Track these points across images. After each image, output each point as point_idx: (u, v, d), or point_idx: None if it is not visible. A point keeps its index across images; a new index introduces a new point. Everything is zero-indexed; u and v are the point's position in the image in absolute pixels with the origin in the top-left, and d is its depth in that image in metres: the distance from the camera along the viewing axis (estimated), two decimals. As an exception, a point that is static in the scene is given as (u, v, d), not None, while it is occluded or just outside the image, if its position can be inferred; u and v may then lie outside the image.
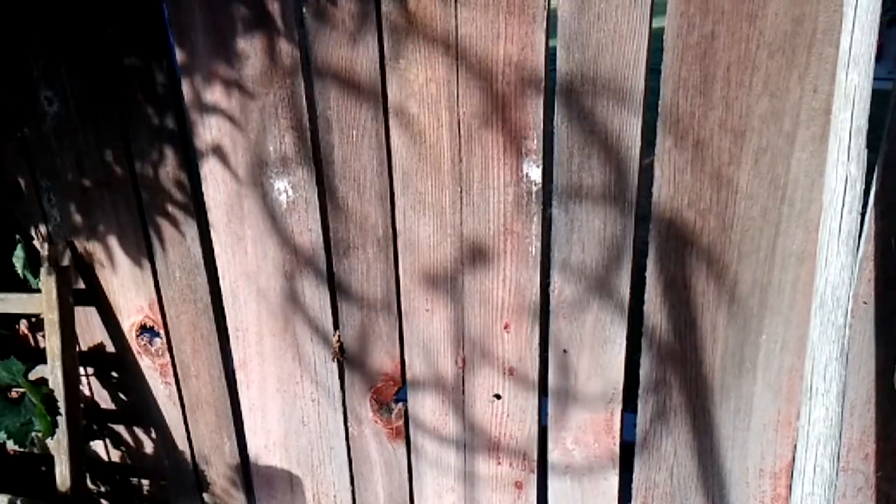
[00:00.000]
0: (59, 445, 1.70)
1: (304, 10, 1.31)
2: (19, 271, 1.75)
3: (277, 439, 1.76)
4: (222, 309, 1.67)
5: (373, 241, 1.44)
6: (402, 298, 1.47)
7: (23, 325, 1.94)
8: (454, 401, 1.53)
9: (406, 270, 1.44)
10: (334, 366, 1.61)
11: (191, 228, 1.59)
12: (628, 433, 1.43)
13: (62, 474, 1.70)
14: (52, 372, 1.68)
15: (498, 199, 1.32)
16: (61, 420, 1.68)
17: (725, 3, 1.07)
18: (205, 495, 1.93)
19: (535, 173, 1.27)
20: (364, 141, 1.36)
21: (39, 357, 1.73)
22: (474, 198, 1.33)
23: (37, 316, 1.83)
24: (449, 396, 1.53)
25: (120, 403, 1.92)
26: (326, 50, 1.32)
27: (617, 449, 1.44)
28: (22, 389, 1.69)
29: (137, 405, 1.88)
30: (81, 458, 1.73)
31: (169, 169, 1.54)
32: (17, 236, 1.75)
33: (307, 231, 1.49)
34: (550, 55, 1.20)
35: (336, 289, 1.52)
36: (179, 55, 1.42)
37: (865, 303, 1.16)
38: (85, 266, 1.74)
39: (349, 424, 1.66)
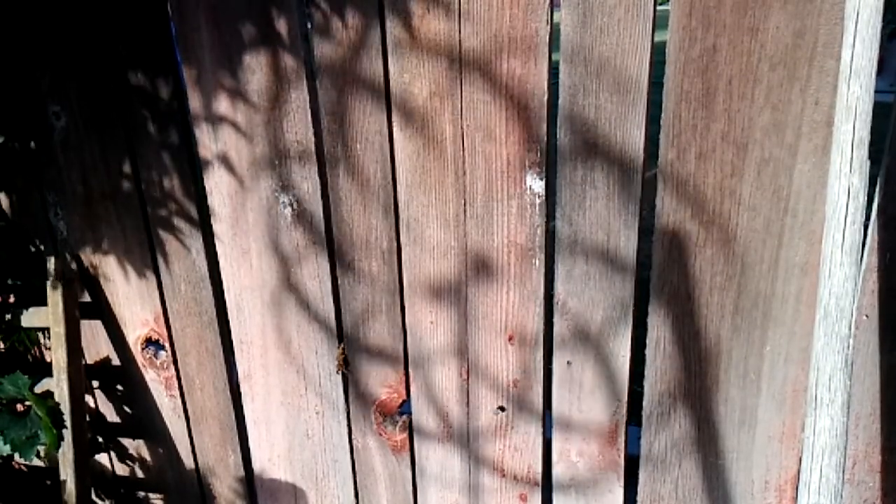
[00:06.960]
0: (64, 458, 1.70)
1: (309, 25, 1.32)
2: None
3: (282, 452, 1.76)
4: (227, 322, 1.67)
5: (377, 253, 1.45)
6: (407, 311, 1.48)
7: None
8: (458, 413, 1.53)
9: (410, 283, 1.45)
10: (339, 378, 1.61)
11: (196, 241, 1.60)
12: (633, 446, 1.43)
13: (67, 488, 1.70)
14: (57, 385, 1.68)
15: (501, 212, 1.32)
16: (67, 433, 1.68)
17: (727, 16, 1.08)
18: (209, 508, 1.93)
19: (538, 186, 1.28)
20: (368, 154, 1.37)
21: (45, 370, 1.73)
22: (478, 210, 1.34)
23: (43, 329, 1.84)
24: (453, 409, 1.53)
25: (125, 416, 1.92)
26: (331, 65, 1.33)
27: (622, 461, 1.44)
28: (28, 402, 1.69)
29: (142, 418, 1.88)
30: (87, 471, 1.73)
31: (174, 182, 1.55)
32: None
33: (311, 244, 1.49)
34: (553, 68, 1.21)
35: (340, 301, 1.53)
36: (186, 70, 1.44)
37: (867, 316, 1.16)
38: (91, 279, 1.75)
39: (353, 437, 1.66)
